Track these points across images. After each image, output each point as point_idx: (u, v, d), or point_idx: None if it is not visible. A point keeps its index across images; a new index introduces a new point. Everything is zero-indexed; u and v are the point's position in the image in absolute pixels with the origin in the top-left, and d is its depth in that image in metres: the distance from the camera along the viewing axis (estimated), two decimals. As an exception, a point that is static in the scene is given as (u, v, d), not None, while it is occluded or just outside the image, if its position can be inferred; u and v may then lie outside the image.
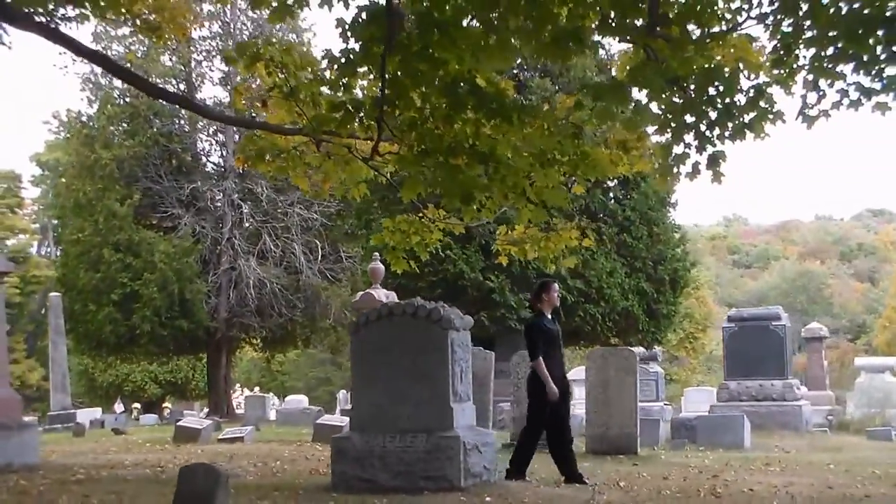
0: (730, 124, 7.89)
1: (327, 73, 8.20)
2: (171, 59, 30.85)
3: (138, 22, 13.96)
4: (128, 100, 30.31)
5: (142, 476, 10.29)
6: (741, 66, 8.96)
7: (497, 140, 7.45)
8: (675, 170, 8.32)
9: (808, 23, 7.76)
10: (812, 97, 7.75)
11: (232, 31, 30.66)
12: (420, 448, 8.77)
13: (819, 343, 28.49)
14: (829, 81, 7.67)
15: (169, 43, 20.02)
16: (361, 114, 7.69)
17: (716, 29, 8.13)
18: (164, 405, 46.84)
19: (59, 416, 25.11)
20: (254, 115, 13.00)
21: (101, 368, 45.20)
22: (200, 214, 29.96)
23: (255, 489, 8.89)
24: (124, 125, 30.37)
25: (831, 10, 7.51)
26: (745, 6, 8.32)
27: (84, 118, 30.92)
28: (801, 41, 7.83)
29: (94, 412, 33.63)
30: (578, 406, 16.09)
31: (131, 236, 28.08)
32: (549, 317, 10.26)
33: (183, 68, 31.03)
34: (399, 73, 7.16)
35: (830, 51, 7.48)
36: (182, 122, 31.12)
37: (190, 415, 31.05)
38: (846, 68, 7.58)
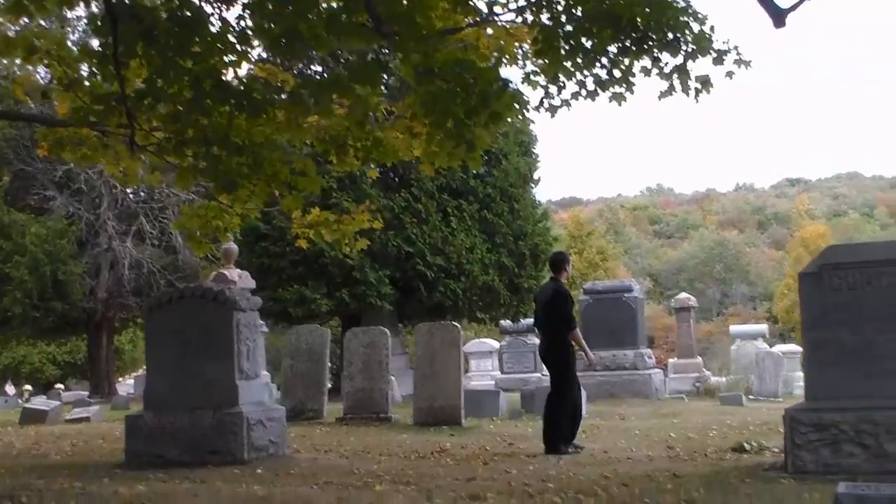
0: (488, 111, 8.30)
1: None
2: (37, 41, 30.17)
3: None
4: (-1, 81, 29.82)
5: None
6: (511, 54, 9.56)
7: (252, 132, 7.81)
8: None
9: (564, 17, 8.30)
10: (553, 88, 8.28)
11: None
12: (207, 424, 9.19)
13: (688, 313, 29.31)
14: (571, 71, 8.20)
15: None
16: (129, 105, 7.96)
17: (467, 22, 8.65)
18: (56, 386, 46.31)
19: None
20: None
21: (-3, 350, 44.56)
22: (75, 196, 29.65)
23: (46, 469, 9.19)
24: (-7, 106, 29.86)
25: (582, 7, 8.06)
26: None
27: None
28: (560, 34, 8.32)
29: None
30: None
31: (1, 218, 27.75)
32: None
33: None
34: (158, 67, 7.47)
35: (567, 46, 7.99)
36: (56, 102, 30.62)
37: (80, 395, 31.09)
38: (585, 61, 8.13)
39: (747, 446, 9.77)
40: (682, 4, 8.16)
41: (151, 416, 9.44)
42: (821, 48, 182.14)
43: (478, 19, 8.62)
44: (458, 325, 14.52)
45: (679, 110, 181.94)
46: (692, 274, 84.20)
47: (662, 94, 8.21)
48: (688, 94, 8.11)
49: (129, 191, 30.96)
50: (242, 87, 7.50)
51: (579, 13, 7.93)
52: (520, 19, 8.73)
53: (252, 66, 9.45)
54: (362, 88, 7.02)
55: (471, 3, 8.29)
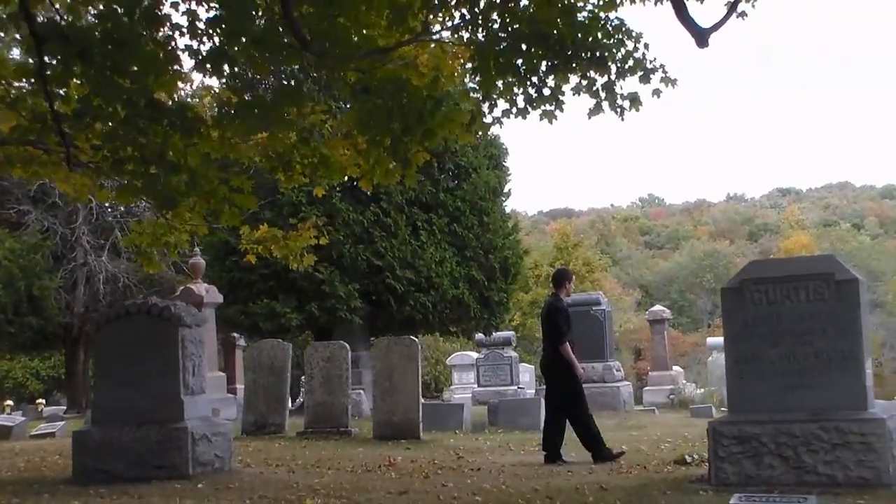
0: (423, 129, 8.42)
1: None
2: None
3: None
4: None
5: None
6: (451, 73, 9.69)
7: (187, 150, 7.93)
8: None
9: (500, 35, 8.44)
10: (485, 105, 8.42)
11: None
12: (153, 439, 9.28)
13: (662, 325, 29.44)
14: (504, 89, 8.34)
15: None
16: (66, 125, 8.07)
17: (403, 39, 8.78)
18: (37, 401, 46.20)
19: None
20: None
21: (-20, 366, 44.54)
22: (50, 210, 29.64)
23: (-8, 485, 9.29)
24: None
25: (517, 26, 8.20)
26: (440, 17, 8.96)
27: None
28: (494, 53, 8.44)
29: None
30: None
31: (-26, 234, 27.81)
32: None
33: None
34: (95, 86, 7.58)
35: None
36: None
37: (61, 410, 31.16)
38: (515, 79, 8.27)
39: (689, 458, 9.87)
40: (616, 23, 8.31)
41: (98, 431, 9.55)
42: (809, 58, 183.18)
43: (420, 37, 8.72)
44: (416, 340, 14.64)
45: (671, 120, 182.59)
46: (683, 285, 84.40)
47: (591, 112, 8.34)
48: (616, 112, 8.25)
49: (106, 205, 31.00)
50: (176, 107, 7.63)
51: (512, 31, 8.06)
52: (456, 37, 8.87)
53: (186, 85, 9.57)
54: (286, 109, 7.14)
55: (407, 22, 8.44)
